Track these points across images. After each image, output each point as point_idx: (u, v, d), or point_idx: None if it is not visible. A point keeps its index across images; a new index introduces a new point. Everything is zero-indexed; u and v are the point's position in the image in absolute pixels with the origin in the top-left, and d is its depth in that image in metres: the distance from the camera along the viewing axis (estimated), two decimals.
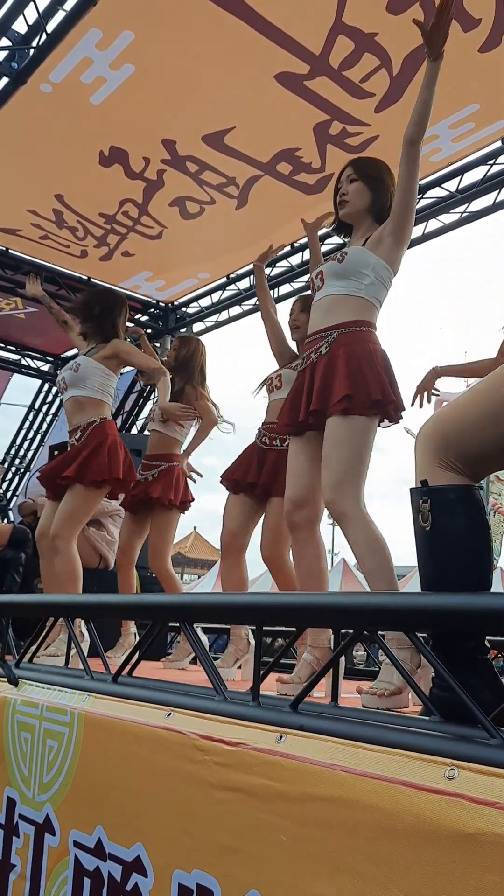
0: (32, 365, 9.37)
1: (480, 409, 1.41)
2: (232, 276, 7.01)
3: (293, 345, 3.27)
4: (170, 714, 1.41)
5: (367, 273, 2.36)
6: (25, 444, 10.06)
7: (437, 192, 5.55)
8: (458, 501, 1.39)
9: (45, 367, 9.48)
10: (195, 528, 36.28)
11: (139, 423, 8.30)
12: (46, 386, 9.81)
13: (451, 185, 5.48)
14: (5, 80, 4.47)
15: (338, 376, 2.26)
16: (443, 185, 5.50)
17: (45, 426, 9.88)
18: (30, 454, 9.98)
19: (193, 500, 3.76)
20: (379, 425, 2.34)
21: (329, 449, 2.25)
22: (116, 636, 3.65)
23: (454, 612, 1.14)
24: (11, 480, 10.05)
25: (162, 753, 1.37)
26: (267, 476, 3.09)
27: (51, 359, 9.38)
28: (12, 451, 10.13)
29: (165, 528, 3.66)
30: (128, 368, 8.91)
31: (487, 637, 1.46)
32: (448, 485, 1.40)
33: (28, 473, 9.75)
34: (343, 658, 2.39)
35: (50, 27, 4.14)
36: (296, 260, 6.54)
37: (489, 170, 5.27)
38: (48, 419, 9.85)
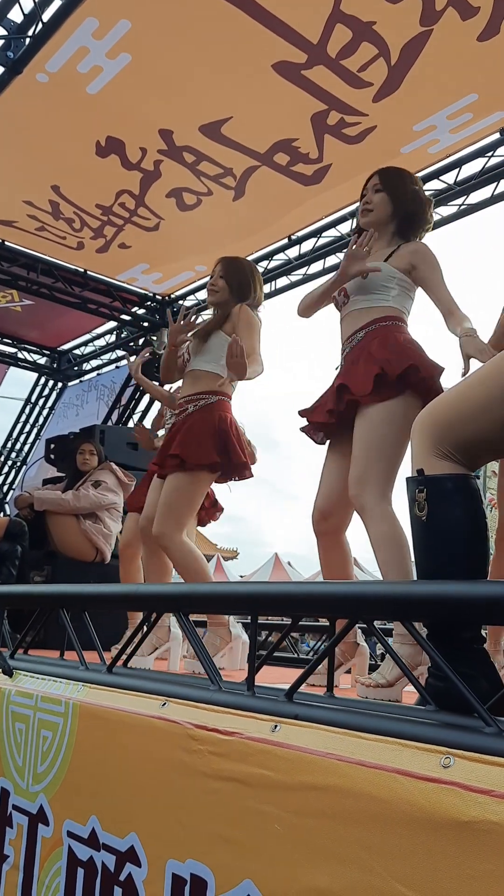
0: (29, 358, 9.34)
1: (477, 396, 1.40)
2: None
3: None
4: (164, 704, 1.41)
5: (391, 286, 2.40)
6: (22, 438, 10.03)
7: (434, 185, 5.51)
8: (454, 490, 1.38)
9: (42, 361, 9.45)
10: None
11: (135, 417, 8.27)
12: (43, 379, 9.77)
13: (449, 178, 5.45)
14: (1, 69, 4.44)
15: (367, 357, 2.26)
16: (440, 178, 5.47)
17: (41, 420, 9.85)
18: (26, 448, 9.94)
19: None
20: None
21: (355, 440, 2.25)
22: (116, 628, 3.64)
23: (450, 600, 1.14)
24: (8, 474, 10.03)
25: (156, 743, 1.36)
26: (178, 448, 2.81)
27: (47, 352, 9.35)
28: (8, 445, 10.11)
29: None
30: (123, 361, 8.85)
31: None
32: (445, 474, 1.39)
33: (25, 467, 9.72)
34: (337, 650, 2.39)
35: (46, 16, 4.10)
36: (293, 253, 6.51)
37: (487, 162, 5.23)
38: (45, 413, 9.81)
